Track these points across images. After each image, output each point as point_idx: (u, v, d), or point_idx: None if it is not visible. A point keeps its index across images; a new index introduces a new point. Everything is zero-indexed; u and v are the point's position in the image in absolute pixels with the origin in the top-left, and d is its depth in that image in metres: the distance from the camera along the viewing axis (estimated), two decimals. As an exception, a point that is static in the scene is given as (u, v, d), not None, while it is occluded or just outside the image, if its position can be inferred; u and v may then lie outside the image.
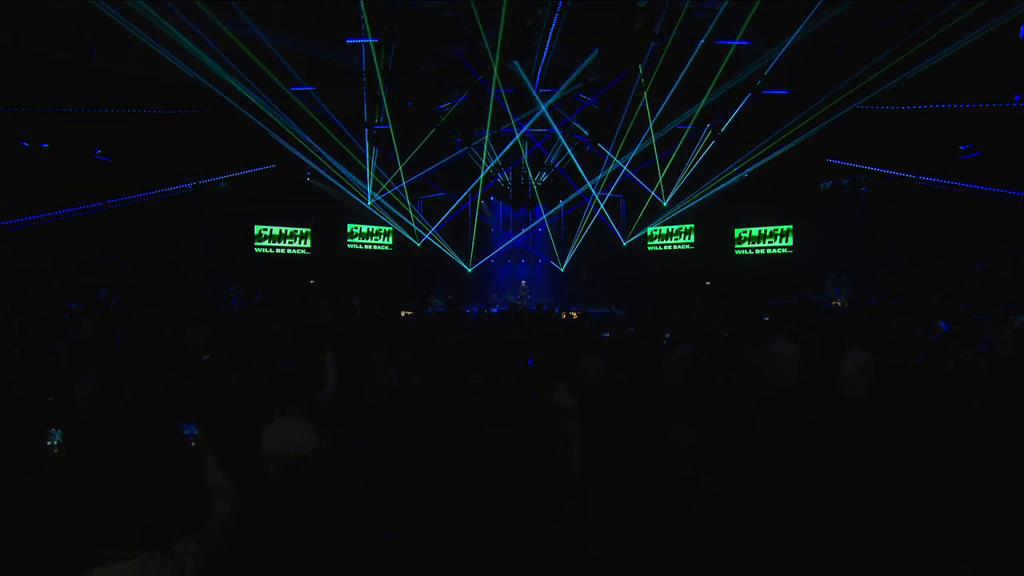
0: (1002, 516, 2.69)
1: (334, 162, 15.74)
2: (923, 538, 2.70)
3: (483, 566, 3.27)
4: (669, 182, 16.79)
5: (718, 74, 12.80)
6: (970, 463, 3.09)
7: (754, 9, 10.64)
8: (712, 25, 11.48)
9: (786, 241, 16.84)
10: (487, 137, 15.92)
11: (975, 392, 3.79)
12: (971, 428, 3.56)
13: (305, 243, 17.77)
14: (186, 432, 2.45)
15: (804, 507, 2.86)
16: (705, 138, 15.41)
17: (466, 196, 18.72)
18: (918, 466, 3.08)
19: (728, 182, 16.49)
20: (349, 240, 18.70)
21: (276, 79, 12.64)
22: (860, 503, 2.88)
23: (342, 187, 16.73)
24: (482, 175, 17.26)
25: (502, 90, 14.97)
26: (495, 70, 13.21)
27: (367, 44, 12.24)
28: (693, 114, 14.65)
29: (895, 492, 2.94)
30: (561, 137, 16.12)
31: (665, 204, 17.26)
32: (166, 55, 10.82)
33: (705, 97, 13.63)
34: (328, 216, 17.69)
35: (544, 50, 12.59)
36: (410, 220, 18.40)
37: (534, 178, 17.65)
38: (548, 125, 15.79)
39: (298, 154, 15.17)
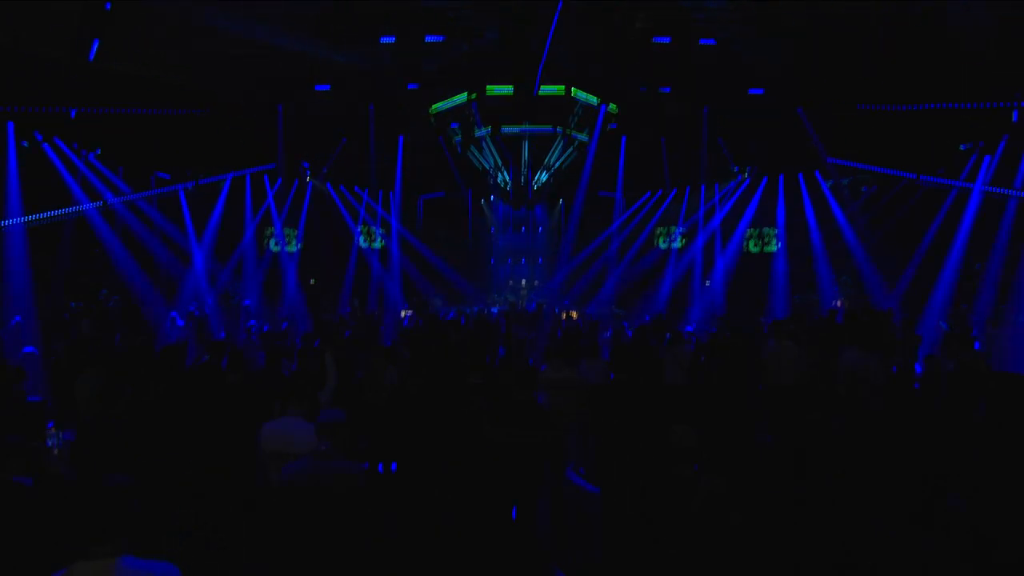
0: (1003, 516, 2.69)
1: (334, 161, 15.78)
2: (923, 538, 2.70)
3: (483, 565, 3.27)
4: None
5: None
6: (971, 463, 3.09)
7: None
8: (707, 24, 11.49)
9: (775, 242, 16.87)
10: (487, 137, 15.92)
11: (977, 392, 3.79)
12: (973, 428, 3.56)
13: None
14: None
15: (804, 507, 2.86)
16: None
17: (466, 196, 18.73)
18: (919, 466, 3.08)
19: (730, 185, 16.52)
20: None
21: (276, 79, 12.65)
22: (860, 503, 2.88)
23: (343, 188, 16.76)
24: (482, 175, 17.29)
25: (502, 90, 15.00)
26: (495, 70, 13.24)
27: (366, 44, 12.24)
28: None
29: (895, 492, 2.94)
30: (561, 137, 16.11)
31: (665, 204, 17.27)
32: (168, 55, 10.83)
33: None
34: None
35: (544, 50, 12.59)
36: (410, 220, 18.40)
37: (534, 178, 17.64)
38: (548, 125, 15.79)
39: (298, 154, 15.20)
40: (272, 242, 16.46)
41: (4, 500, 2.61)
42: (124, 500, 1.91)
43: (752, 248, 17.42)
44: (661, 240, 18.65)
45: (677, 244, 17.89)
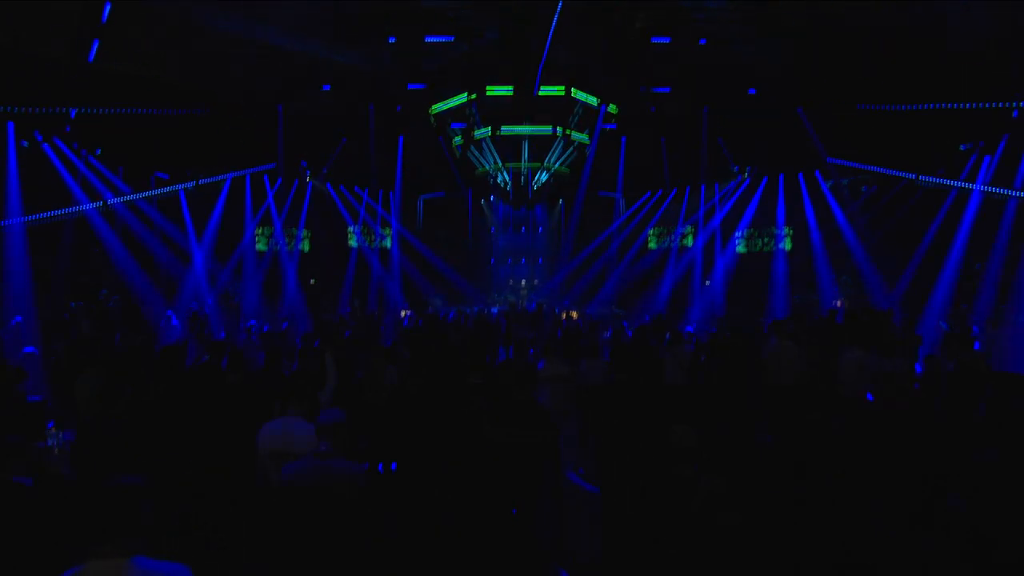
0: (1003, 516, 2.69)
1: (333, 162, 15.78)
2: (923, 538, 2.70)
3: (483, 565, 3.27)
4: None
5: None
6: (971, 463, 3.09)
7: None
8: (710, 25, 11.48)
9: (787, 241, 16.85)
10: (487, 137, 15.92)
11: (977, 392, 3.79)
12: (973, 428, 3.56)
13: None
14: None
15: (804, 507, 2.86)
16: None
17: (466, 196, 18.73)
18: (919, 466, 3.08)
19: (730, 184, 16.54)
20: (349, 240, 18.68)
21: (276, 79, 12.65)
22: (860, 503, 2.88)
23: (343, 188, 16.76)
24: (482, 175, 17.27)
25: (502, 90, 15.00)
26: (495, 70, 13.23)
27: (367, 44, 12.24)
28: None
29: (895, 492, 2.94)
30: (561, 138, 16.12)
31: (665, 203, 17.28)
32: (168, 55, 10.84)
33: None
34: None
35: (544, 50, 12.59)
36: (410, 220, 18.40)
37: (534, 178, 17.65)
38: (548, 125, 15.79)
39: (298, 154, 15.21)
40: (264, 242, 16.41)
41: (4, 500, 2.61)
42: (137, 501, 1.91)
43: (752, 249, 17.42)
44: (656, 241, 18.67)
45: (678, 244, 17.89)
